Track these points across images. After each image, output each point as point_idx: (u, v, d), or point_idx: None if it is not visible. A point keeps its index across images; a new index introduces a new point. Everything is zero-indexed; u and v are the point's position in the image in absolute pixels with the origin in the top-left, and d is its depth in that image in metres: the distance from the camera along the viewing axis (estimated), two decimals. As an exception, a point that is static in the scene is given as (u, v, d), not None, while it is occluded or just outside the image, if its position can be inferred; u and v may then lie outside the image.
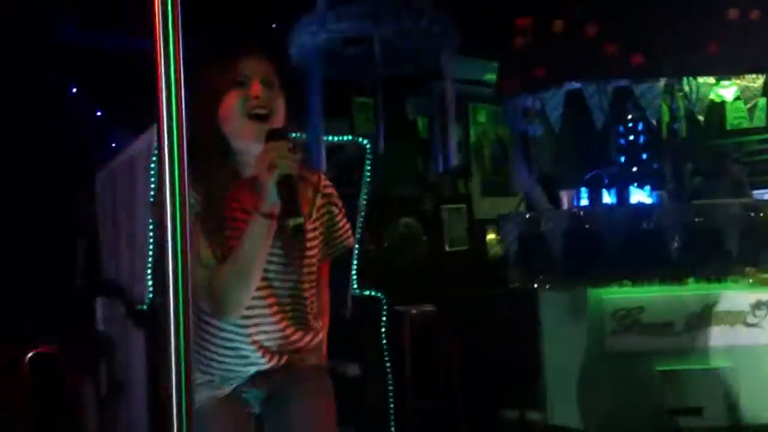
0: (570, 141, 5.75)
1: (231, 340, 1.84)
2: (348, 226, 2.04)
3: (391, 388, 4.16)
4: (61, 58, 4.37)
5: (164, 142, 0.94)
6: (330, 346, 4.40)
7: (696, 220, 4.85)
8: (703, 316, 4.93)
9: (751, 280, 4.88)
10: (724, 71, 4.86)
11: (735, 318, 4.96)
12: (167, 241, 0.94)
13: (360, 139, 3.99)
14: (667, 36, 4.75)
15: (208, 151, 1.73)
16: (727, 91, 5.80)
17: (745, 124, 6.47)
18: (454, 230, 7.16)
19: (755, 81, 4.92)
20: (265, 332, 1.86)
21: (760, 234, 4.89)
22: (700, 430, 4.83)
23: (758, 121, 5.96)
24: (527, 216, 5.33)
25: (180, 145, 0.95)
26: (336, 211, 2.00)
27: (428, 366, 4.52)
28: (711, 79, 4.92)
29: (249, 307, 1.81)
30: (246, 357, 1.86)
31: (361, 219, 4.34)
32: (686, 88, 4.88)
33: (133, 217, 3.61)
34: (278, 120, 1.78)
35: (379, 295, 4.27)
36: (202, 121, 1.72)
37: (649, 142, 5.70)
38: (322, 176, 2.03)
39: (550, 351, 5.27)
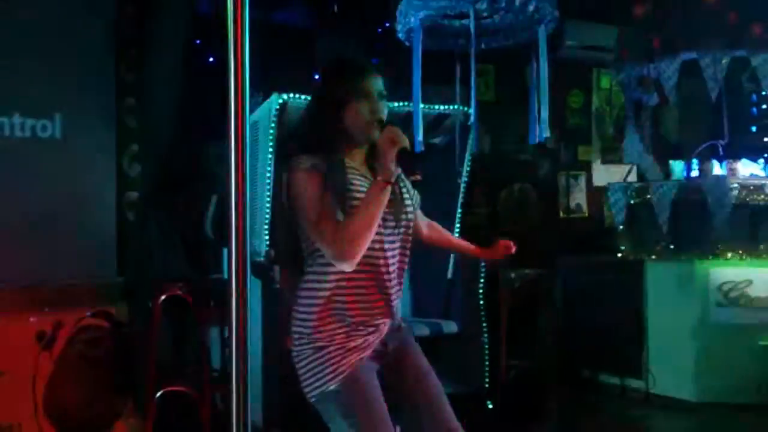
0: (684, 111, 5.66)
1: (361, 294, 2.14)
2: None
3: (487, 346, 4.38)
4: (203, 29, 4.75)
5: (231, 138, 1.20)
6: (431, 304, 4.69)
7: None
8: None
9: None
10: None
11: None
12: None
13: (464, 108, 4.16)
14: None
15: (331, 137, 2.16)
16: None
17: None
18: (569, 197, 7.20)
19: None
20: (385, 287, 2.16)
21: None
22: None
23: None
24: (637, 186, 5.35)
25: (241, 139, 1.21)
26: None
27: (525, 327, 4.70)
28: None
29: (371, 264, 2.13)
30: (374, 310, 2.15)
31: (464, 183, 4.54)
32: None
33: (255, 179, 3.99)
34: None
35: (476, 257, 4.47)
36: (330, 117, 2.16)
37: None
38: None
39: (654, 321, 5.31)
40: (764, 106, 6.92)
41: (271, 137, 3.79)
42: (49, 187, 4.06)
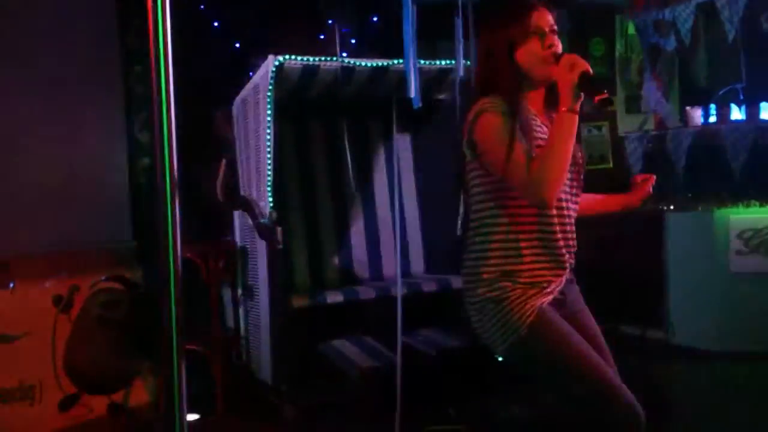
0: (703, 55, 5.49)
1: (547, 239, 2.11)
2: None
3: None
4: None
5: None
6: (443, 260, 4.71)
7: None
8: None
9: None
10: None
11: None
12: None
13: (466, 62, 4.10)
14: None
15: (507, 80, 2.11)
16: None
17: None
18: (593, 148, 7.08)
19: None
20: (567, 232, 2.14)
21: None
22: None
23: None
24: (653, 134, 5.24)
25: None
26: None
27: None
28: None
29: (558, 207, 2.10)
30: (556, 257, 2.12)
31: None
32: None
33: (258, 143, 4.04)
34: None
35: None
36: (502, 59, 2.12)
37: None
38: None
39: (675, 271, 5.25)
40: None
41: (269, 99, 3.81)
42: (61, 155, 4.17)
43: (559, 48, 2.10)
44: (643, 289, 5.36)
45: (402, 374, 3.57)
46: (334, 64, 4.00)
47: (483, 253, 2.11)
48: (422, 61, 4.26)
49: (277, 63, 3.77)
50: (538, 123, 2.11)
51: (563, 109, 1.98)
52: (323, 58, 3.98)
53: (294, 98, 4.36)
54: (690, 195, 5.08)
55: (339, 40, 4.21)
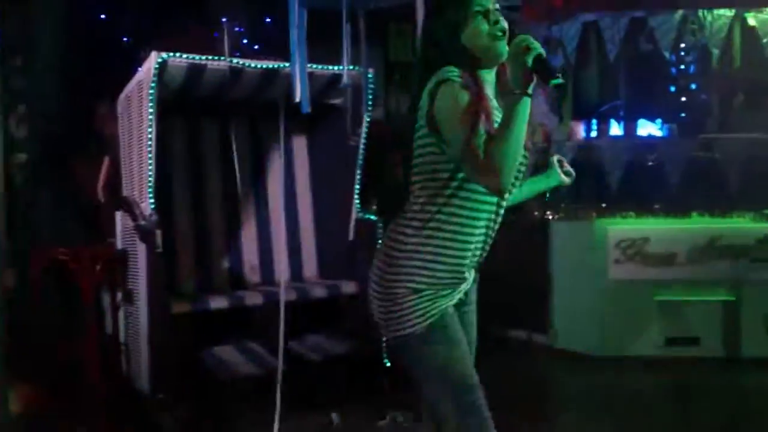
0: (592, 71, 5.72)
1: (475, 235, 2.01)
2: None
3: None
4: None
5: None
6: (335, 265, 4.71)
7: (702, 154, 4.83)
8: (707, 249, 4.98)
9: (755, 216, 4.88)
10: (741, 4, 4.74)
11: (739, 252, 4.99)
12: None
13: (356, 68, 4.11)
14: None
15: (456, 60, 1.99)
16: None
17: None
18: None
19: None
20: (491, 232, 2.05)
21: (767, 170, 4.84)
22: (695, 360, 4.94)
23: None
24: (540, 146, 5.40)
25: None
26: None
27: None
28: (728, 12, 4.81)
29: (489, 202, 2.01)
30: (472, 256, 2.03)
31: (363, 144, 4.52)
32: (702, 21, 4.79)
33: (142, 141, 3.92)
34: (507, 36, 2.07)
35: (373, 218, 4.49)
36: (449, 42, 2.01)
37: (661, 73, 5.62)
38: None
39: (559, 278, 5.43)
40: (682, 67, 7.05)
41: (151, 97, 3.71)
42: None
43: (506, 24, 2.01)
44: (530, 294, 5.52)
45: (285, 381, 3.54)
46: (222, 64, 3.93)
47: (411, 239, 2.00)
48: (315, 66, 4.25)
49: (160, 60, 3.67)
50: (495, 105, 2.02)
51: (517, 92, 1.86)
52: (210, 58, 3.90)
53: (183, 97, 4.25)
54: (573, 205, 5.27)
55: (228, 39, 4.13)
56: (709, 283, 5.02)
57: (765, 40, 5.16)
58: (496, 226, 2.06)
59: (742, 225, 4.98)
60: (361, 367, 4.24)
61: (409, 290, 1.99)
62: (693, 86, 6.67)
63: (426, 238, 1.99)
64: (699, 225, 4.99)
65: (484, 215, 2.02)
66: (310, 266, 4.87)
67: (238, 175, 4.53)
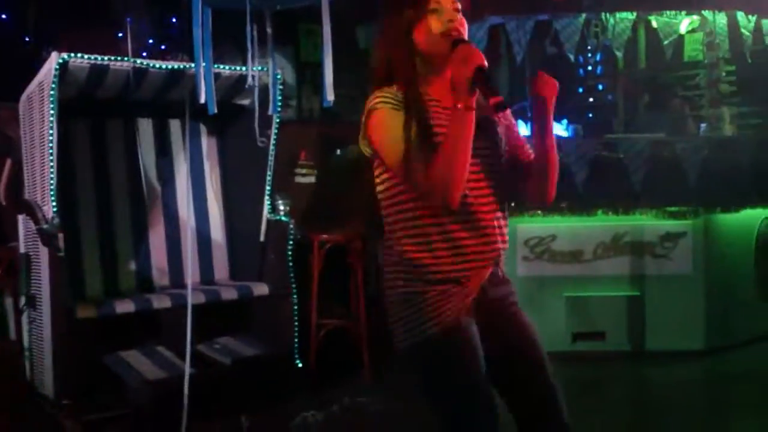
0: (504, 73, 5.84)
1: (455, 239, 1.97)
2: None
3: (296, 307, 4.40)
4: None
5: None
6: (246, 267, 4.67)
7: (607, 153, 4.99)
8: (612, 246, 5.15)
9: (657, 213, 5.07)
10: (644, 8, 4.92)
11: (643, 249, 5.17)
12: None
13: (263, 69, 4.07)
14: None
15: (404, 66, 1.98)
16: (683, 23, 5.88)
17: (700, 57, 6.48)
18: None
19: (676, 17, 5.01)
20: (481, 231, 1.99)
21: (669, 169, 5.04)
22: (602, 354, 5.10)
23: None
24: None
25: None
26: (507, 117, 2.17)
27: (335, 288, 4.77)
28: (630, 15, 4.98)
29: (465, 204, 1.95)
30: (466, 255, 1.98)
31: (273, 146, 4.51)
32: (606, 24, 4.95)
33: (43, 143, 3.81)
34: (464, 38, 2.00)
35: (285, 219, 4.48)
36: (399, 43, 1.98)
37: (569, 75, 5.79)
38: None
39: (471, 276, 5.51)
40: (589, 68, 7.27)
41: (52, 98, 3.61)
42: None
43: (461, 26, 1.97)
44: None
45: (193, 385, 3.49)
46: (125, 64, 3.85)
47: (398, 249, 2.02)
48: (222, 66, 4.21)
49: (60, 61, 3.57)
50: (441, 109, 1.97)
51: (458, 105, 1.85)
52: (113, 58, 3.82)
53: (87, 97, 4.15)
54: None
55: (132, 39, 4.05)
56: (615, 279, 5.19)
57: (666, 42, 5.37)
58: (486, 215, 1.99)
59: (645, 222, 5.16)
60: (273, 368, 4.22)
61: (398, 300, 2.01)
62: (600, 87, 6.90)
63: (405, 248, 2.00)
64: (604, 223, 5.15)
65: (451, 215, 1.95)
66: (220, 268, 4.81)
67: (143, 176, 4.45)
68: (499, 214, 2.06)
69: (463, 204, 1.95)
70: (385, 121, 1.94)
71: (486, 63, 1.84)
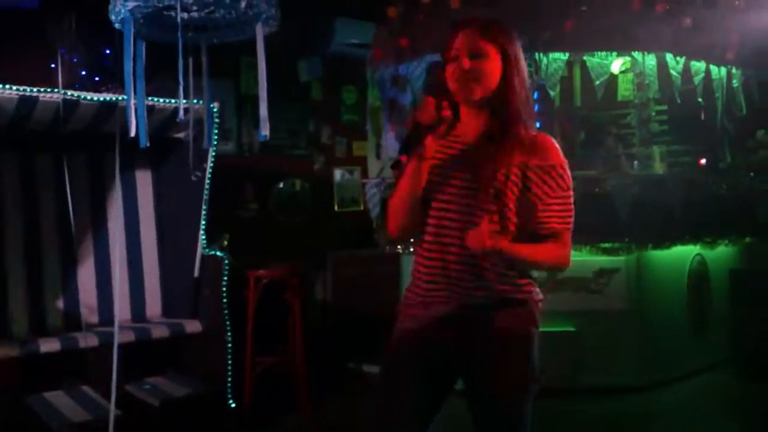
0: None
1: (429, 268, 2.15)
2: (552, 213, 2.12)
3: (230, 344, 4.31)
4: None
5: None
6: (180, 304, 4.57)
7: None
8: (548, 282, 5.18)
9: (591, 249, 5.14)
10: (575, 49, 5.03)
11: (578, 284, 5.22)
12: None
13: (198, 101, 4.03)
14: (525, 12, 4.90)
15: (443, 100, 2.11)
16: (615, 63, 6.04)
17: (631, 96, 6.63)
18: (345, 191, 7.30)
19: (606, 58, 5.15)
20: (451, 264, 2.10)
21: (602, 206, 5.12)
22: (539, 389, 5.10)
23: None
24: (389, 182, 5.49)
25: None
26: (539, 184, 2.10)
27: (272, 323, 4.70)
28: (563, 56, 5.09)
29: (436, 234, 2.12)
30: (435, 285, 2.14)
31: (209, 180, 4.45)
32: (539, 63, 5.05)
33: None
34: (488, 82, 2.09)
35: (220, 254, 4.41)
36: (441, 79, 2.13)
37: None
38: (541, 143, 2.13)
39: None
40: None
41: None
42: None
43: (472, 73, 2.05)
44: (383, 328, 5.54)
45: (120, 427, 3.38)
46: (56, 96, 3.78)
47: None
48: (156, 99, 4.16)
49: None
50: (452, 145, 2.12)
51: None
52: (43, 90, 3.74)
53: (15, 130, 4.05)
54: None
55: (64, 70, 3.98)
56: (551, 315, 5.20)
57: (598, 82, 5.50)
58: (461, 251, 2.06)
59: (579, 258, 5.22)
60: (204, 409, 4.12)
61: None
62: (538, 124, 7.00)
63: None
64: (540, 259, 5.18)
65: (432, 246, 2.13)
66: (152, 305, 4.71)
67: (71, 211, 4.32)
68: (478, 257, 2.07)
69: (434, 240, 2.11)
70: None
71: (427, 120, 2.00)
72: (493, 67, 2.08)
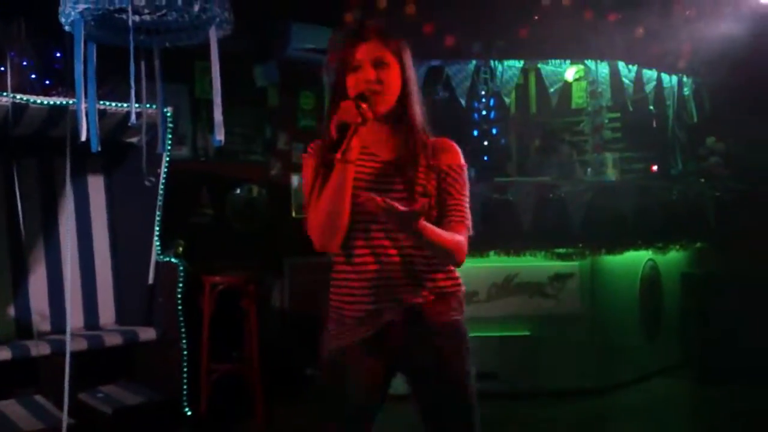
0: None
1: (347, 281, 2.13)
2: (462, 208, 2.19)
3: (186, 351, 4.27)
4: None
5: None
6: (134, 311, 4.51)
7: (498, 196, 5.11)
8: (504, 286, 5.24)
9: (546, 254, 5.20)
10: (529, 56, 5.10)
11: (534, 289, 5.29)
12: None
13: (150, 106, 3.97)
14: (480, 19, 4.95)
15: (331, 116, 2.06)
16: (569, 71, 6.13)
17: (585, 104, 6.72)
18: (302, 197, 7.25)
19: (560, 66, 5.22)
20: (385, 273, 2.07)
21: (556, 212, 5.19)
22: (494, 394, 5.13)
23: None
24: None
25: None
26: (451, 182, 2.16)
27: (227, 330, 4.66)
28: (518, 63, 5.16)
29: (370, 246, 2.07)
30: (364, 296, 2.11)
31: (162, 185, 4.40)
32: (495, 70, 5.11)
33: None
34: (391, 92, 2.09)
35: (175, 261, 4.36)
36: (339, 93, 2.10)
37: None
38: (447, 145, 2.19)
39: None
40: (484, 112, 7.47)
41: None
42: None
43: (382, 87, 2.04)
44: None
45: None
46: (4, 99, 3.70)
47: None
48: (108, 103, 4.10)
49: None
50: (367, 156, 2.08)
51: (336, 156, 1.97)
52: (-9, 93, 3.66)
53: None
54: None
55: (12, 73, 3.90)
56: (507, 319, 5.28)
57: (552, 90, 5.58)
58: (400, 260, 2.07)
59: (535, 263, 5.29)
60: (159, 417, 4.06)
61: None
62: (494, 131, 7.10)
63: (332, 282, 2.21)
64: (496, 264, 5.24)
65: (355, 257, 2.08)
66: (106, 312, 4.63)
67: (21, 217, 4.24)
68: (414, 256, 2.09)
69: (361, 250, 2.07)
70: (305, 168, 2.13)
71: (353, 120, 1.95)
72: (395, 75, 2.10)
